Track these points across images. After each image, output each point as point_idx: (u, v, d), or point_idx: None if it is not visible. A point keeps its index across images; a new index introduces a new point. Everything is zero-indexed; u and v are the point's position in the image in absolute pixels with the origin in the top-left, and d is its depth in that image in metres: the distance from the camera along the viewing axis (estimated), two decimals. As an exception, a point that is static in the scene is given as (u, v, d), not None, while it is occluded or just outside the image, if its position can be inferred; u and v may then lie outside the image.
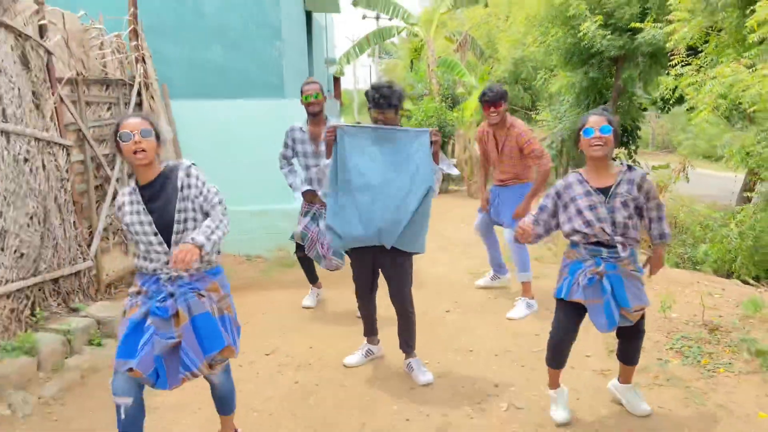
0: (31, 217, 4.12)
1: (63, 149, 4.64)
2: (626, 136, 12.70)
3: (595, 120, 3.03)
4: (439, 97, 13.54)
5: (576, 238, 3.09)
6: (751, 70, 7.05)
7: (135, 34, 5.78)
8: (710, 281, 5.73)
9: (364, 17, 29.33)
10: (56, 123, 4.61)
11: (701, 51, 8.62)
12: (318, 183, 4.74)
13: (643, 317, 3.16)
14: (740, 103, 7.13)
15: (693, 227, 7.58)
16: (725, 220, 7.19)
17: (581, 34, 10.51)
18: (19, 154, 4.03)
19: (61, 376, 3.80)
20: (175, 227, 2.60)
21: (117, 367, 2.58)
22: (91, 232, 5.15)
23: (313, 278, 5.30)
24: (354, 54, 15.04)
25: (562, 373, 3.35)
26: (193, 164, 2.72)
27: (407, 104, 13.73)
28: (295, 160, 4.98)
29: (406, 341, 3.86)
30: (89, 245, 4.98)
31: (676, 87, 8.52)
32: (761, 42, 7.19)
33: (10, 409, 3.38)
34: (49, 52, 4.53)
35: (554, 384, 3.35)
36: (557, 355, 3.25)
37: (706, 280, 5.80)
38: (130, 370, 2.52)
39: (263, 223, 6.88)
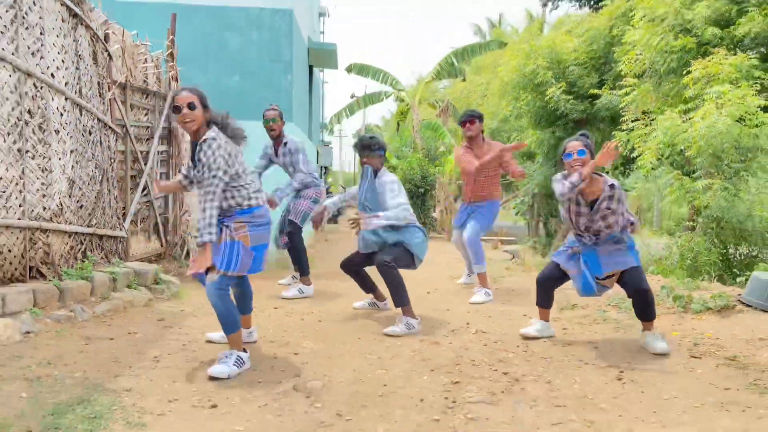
0: (91, 178, 5.01)
1: (114, 134, 5.59)
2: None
3: (573, 145, 3.83)
4: (423, 152, 14.80)
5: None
6: (685, 118, 8.37)
7: (171, 56, 6.88)
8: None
9: (352, 96, 31.20)
10: (110, 114, 5.59)
11: (650, 112, 10.01)
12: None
13: (638, 279, 3.78)
14: (681, 150, 8.38)
15: (642, 251, 8.62)
16: (668, 246, 8.25)
17: (548, 98, 11.94)
18: (85, 126, 4.97)
19: (108, 302, 4.57)
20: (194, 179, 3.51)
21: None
22: (124, 213, 6.00)
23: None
24: (345, 115, 16.39)
25: (547, 313, 4.28)
26: (213, 138, 3.30)
27: (393, 159, 14.93)
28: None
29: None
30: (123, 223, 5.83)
31: (629, 140, 9.81)
32: (695, 97, 8.56)
33: (72, 313, 4.15)
34: (110, 56, 5.57)
35: (542, 317, 4.28)
36: (540, 293, 4.21)
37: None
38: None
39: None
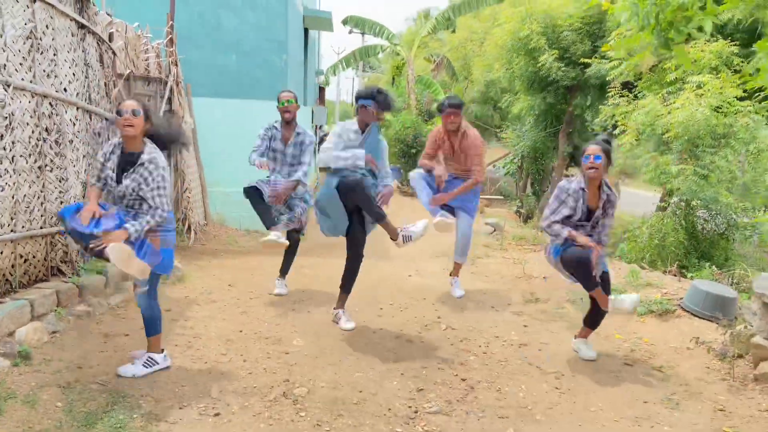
0: (101, 177, 5.47)
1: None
2: (579, 156, 14.38)
3: (592, 149, 3.95)
4: (416, 111, 15.08)
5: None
6: (664, 103, 8.73)
7: (171, 42, 7.17)
8: (616, 265, 7.28)
9: (350, 32, 30.95)
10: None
11: (635, 86, 10.33)
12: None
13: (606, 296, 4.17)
14: (662, 132, 8.77)
15: (616, 230, 9.18)
16: (639, 225, 8.80)
17: (540, 64, 12.17)
18: (95, 128, 5.38)
19: (122, 293, 5.14)
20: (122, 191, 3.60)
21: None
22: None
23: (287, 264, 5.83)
24: (340, 67, 16.52)
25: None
26: (154, 158, 3.53)
27: (387, 115, 15.17)
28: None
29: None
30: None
31: (614, 115, 10.17)
32: (676, 81, 8.89)
33: (90, 308, 4.72)
34: (114, 54, 5.90)
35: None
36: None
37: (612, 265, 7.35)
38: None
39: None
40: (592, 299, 4.31)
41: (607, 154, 3.94)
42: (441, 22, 15.69)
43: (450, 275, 6.10)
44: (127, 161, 3.62)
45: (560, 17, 12.47)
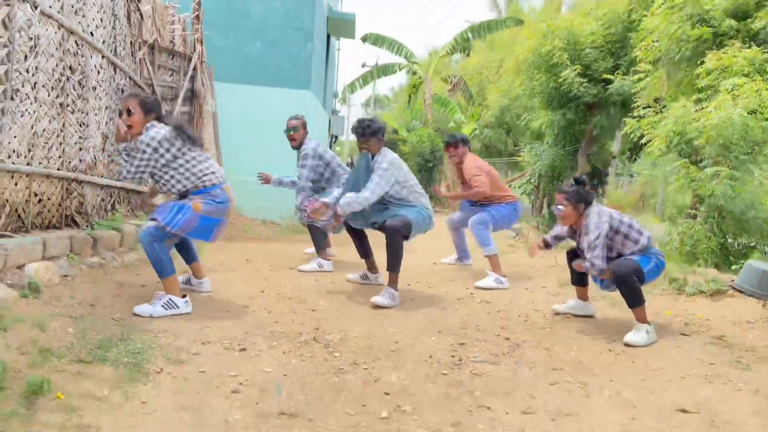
0: (122, 134, 5.23)
1: (143, 91, 5.79)
2: (596, 179, 14.16)
3: (558, 197, 4.09)
4: (433, 127, 14.95)
5: None
6: (698, 107, 8.52)
7: (197, 19, 7.04)
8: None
9: (363, 65, 31.11)
10: (139, 73, 5.79)
11: (662, 99, 10.16)
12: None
13: (621, 268, 3.85)
14: (690, 139, 8.54)
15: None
16: (669, 232, 8.48)
17: (561, 80, 12.04)
18: (118, 84, 5.18)
19: (136, 252, 4.85)
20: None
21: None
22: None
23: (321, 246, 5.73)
24: (358, 85, 16.49)
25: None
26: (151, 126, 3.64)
27: (403, 132, 15.09)
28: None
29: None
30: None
31: (639, 127, 9.97)
32: (708, 88, 8.70)
33: (104, 260, 4.42)
34: (142, 17, 5.75)
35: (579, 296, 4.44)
36: (571, 272, 4.40)
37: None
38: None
39: (280, 193, 7.99)
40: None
41: (570, 202, 4.02)
42: (460, 43, 15.70)
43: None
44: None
45: (582, 34, 12.40)
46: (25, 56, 3.71)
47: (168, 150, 3.62)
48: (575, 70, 11.89)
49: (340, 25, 11.26)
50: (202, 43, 7.12)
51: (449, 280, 5.54)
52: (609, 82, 11.66)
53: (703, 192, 8.24)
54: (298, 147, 5.64)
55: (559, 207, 4.09)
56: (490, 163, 6.59)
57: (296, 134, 5.60)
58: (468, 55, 17.82)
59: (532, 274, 6.04)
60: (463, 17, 57.80)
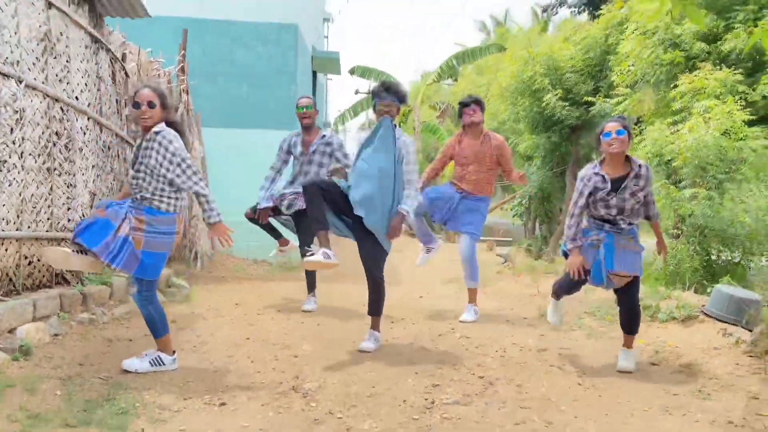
0: (110, 190, 5.44)
1: (131, 147, 6.01)
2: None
3: (612, 125, 3.77)
4: (423, 154, 15.19)
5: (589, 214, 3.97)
6: (673, 129, 8.75)
7: (182, 70, 7.30)
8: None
9: (356, 92, 31.49)
10: (126, 128, 6.01)
11: (641, 121, 10.40)
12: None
13: (634, 293, 3.94)
14: (668, 160, 8.76)
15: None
16: (654, 252, 8.64)
17: (545, 104, 12.32)
18: (105, 142, 5.40)
19: (126, 305, 5.02)
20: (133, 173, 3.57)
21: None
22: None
23: (312, 285, 5.70)
24: (348, 116, 16.79)
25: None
26: (162, 131, 3.48)
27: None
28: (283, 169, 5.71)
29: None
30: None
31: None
32: (682, 110, 8.94)
33: (94, 315, 4.59)
34: (127, 75, 5.99)
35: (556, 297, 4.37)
36: (564, 293, 4.30)
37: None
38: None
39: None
40: (619, 300, 4.08)
41: (627, 129, 3.77)
42: (445, 71, 16.04)
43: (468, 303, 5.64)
44: (139, 149, 3.59)
45: (562, 59, 12.71)
46: (11, 129, 3.92)
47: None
48: (557, 94, 12.17)
49: (326, 63, 11.58)
50: (188, 92, 7.36)
51: (432, 312, 5.70)
52: (591, 104, 11.93)
53: (683, 212, 8.44)
54: (310, 126, 5.42)
55: (620, 131, 3.72)
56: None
57: (309, 112, 5.40)
58: (456, 80, 18.14)
59: (515, 304, 6.20)
60: (452, 40, 58.58)
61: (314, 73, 12.06)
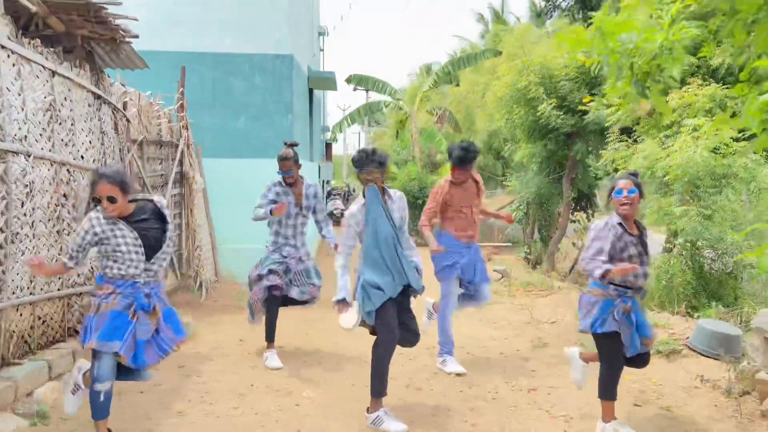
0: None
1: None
2: (584, 201, 14.58)
3: (624, 183, 3.65)
4: (421, 163, 15.39)
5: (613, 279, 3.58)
6: (663, 146, 8.93)
7: (182, 108, 7.49)
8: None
9: (355, 89, 31.74)
10: (129, 171, 6.22)
11: (634, 130, 10.57)
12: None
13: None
14: (662, 175, 8.94)
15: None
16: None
17: (539, 113, 12.48)
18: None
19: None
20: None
21: (101, 348, 3.17)
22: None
23: (272, 336, 5.39)
24: (346, 124, 16.97)
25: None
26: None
27: (392, 168, 15.53)
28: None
29: None
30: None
31: (614, 159, 10.37)
32: (672, 125, 9.11)
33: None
34: (128, 121, 6.19)
35: (610, 415, 3.83)
36: (612, 385, 3.82)
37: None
38: (117, 354, 3.19)
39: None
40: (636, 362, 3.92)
41: (639, 187, 3.66)
42: (441, 77, 16.19)
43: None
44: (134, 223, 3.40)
45: (556, 68, 12.84)
46: (22, 203, 4.14)
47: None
48: (551, 103, 12.31)
49: (322, 82, 11.76)
50: (187, 128, 7.57)
51: (432, 346, 5.91)
52: (585, 112, 12.07)
53: (675, 227, 8.64)
54: (294, 183, 5.35)
55: (632, 190, 3.61)
56: (488, 190, 5.95)
57: (291, 175, 5.31)
58: (458, 85, 18.29)
59: (509, 333, 6.42)
60: (451, 32, 58.30)
61: (311, 91, 12.26)
